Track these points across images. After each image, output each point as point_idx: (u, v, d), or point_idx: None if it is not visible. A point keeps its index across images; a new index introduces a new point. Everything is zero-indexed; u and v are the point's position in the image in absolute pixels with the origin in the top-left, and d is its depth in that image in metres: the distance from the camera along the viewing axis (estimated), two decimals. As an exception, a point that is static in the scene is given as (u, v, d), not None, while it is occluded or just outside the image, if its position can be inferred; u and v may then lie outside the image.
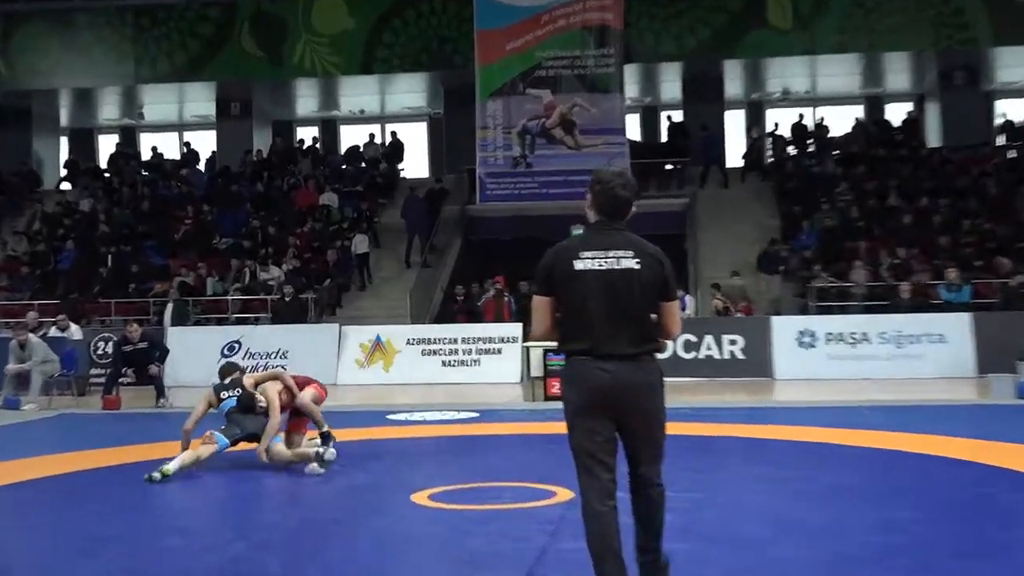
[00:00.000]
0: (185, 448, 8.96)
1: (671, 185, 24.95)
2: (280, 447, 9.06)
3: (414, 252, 23.47)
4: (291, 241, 23.13)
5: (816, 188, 23.29)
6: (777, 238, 21.99)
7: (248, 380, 9.47)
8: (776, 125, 26.41)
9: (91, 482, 8.83)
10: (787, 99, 28.16)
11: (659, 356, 4.75)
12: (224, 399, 9.30)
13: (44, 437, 12.59)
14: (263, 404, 9.18)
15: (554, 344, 4.80)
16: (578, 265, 4.61)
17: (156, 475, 8.46)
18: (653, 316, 4.67)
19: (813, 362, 17.42)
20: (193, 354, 17.93)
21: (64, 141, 30.79)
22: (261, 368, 16.59)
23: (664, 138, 27.08)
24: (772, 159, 25.70)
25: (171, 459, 8.70)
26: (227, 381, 9.48)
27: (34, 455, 10.61)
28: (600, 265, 4.60)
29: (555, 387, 14.08)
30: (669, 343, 4.98)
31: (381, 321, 20.09)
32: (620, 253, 4.61)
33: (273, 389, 9.28)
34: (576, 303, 4.61)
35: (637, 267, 4.60)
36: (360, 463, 9.27)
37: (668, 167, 25.48)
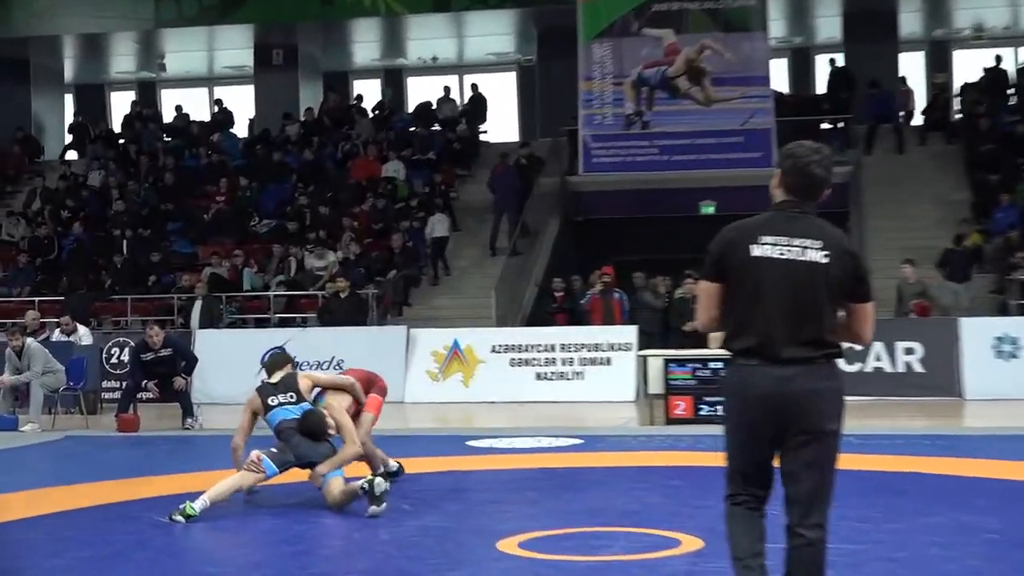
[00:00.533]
0: (238, 469, 8.94)
1: (830, 149, 24.64)
2: (337, 482, 8.87)
3: (501, 236, 23.55)
4: (347, 223, 23.38)
5: (1018, 152, 22.87)
6: (968, 217, 21.62)
7: (304, 382, 9.32)
8: (987, 70, 25.80)
9: (103, 520, 8.98)
10: (981, 37, 27.64)
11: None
12: (273, 407, 9.06)
13: (46, 465, 12.93)
14: (334, 431, 9.01)
15: (703, 352, 4.97)
16: (755, 251, 4.82)
17: (178, 517, 8.49)
18: (840, 313, 4.87)
19: (1014, 377, 17.12)
20: (227, 363, 18.23)
21: (69, 100, 31.52)
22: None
23: (821, 89, 26.78)
24: (961, 115, 25.27)
25: (199, 495, 8.68)
26: (277, 379, 9.29)
27: (34, 487, 10.85)
28: (781, 254, 4.80)
29: (679, 407, 14.03)
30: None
31: (460, 323, 20.22)
32: (807, 243, 4.81)
33: (341, 407, 9.25)
34: (748, 294, 4.83)
35: (825, 261, 4.79)
36: (433, 501, 9.34)
37: (826, 126, 25.20)
